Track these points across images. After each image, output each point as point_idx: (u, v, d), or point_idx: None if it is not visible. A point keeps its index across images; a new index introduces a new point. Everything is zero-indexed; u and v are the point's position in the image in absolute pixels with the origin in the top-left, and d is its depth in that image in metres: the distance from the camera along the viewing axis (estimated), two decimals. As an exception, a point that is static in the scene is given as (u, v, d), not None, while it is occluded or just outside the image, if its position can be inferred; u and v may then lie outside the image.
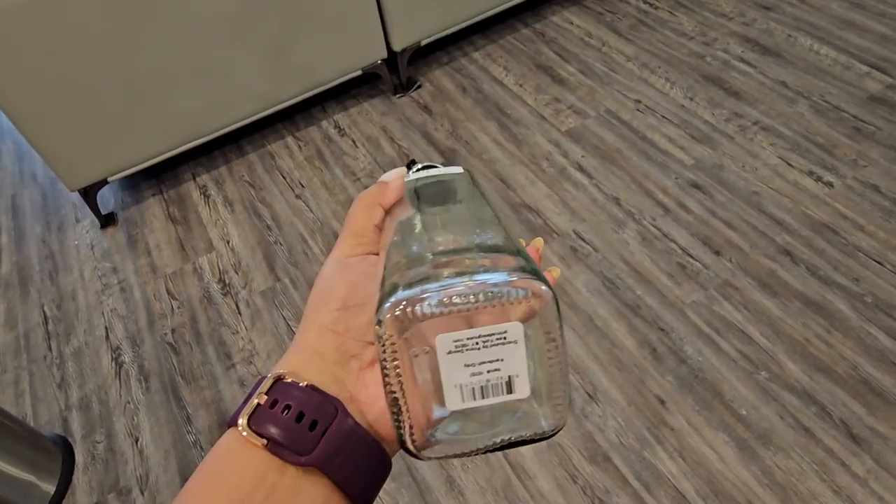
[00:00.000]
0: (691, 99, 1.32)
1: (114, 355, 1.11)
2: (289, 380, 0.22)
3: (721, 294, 1.00)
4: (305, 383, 0.22)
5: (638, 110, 1.32)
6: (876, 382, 0.88)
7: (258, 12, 1.19)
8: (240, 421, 0.21)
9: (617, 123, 1.30)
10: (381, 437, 0.23)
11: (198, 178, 1.38)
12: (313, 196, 1.29)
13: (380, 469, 0.23)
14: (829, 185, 1.12)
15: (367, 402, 0.23)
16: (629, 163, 1.22)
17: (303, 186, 1.31)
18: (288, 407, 0.21)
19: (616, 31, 1.52)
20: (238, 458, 0.21)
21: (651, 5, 1.57)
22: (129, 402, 1.05)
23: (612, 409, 0.90)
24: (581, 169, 1.23)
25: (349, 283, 0.24)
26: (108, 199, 1.38)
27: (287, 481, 0.21)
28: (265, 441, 0.21)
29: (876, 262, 1.00)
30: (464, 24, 1.46)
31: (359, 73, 1.40)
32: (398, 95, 1.47)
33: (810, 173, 1.14)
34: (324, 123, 1.44)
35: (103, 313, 1.18)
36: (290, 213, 1.27)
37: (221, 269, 1.20)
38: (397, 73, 1.46)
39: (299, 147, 1.40)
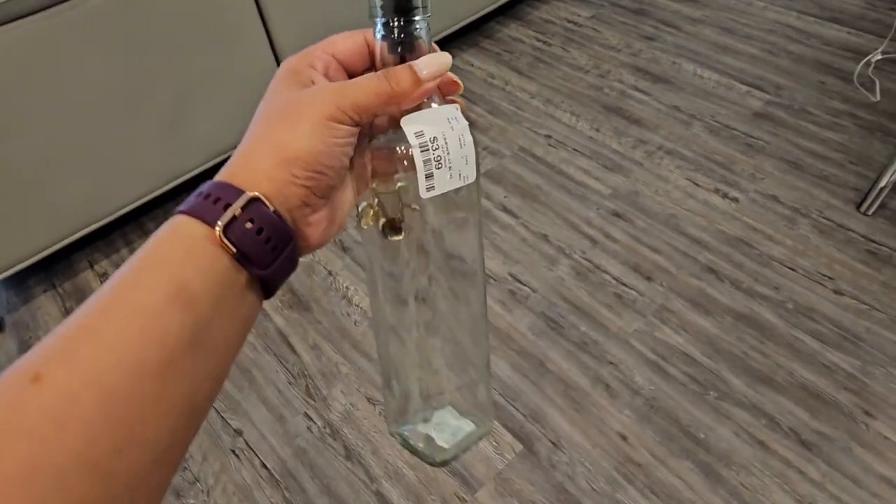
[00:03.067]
0: (597, 130, 1.37)
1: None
2: (264, 203, 0.25)
3: (659, 319, 1.03)
4: (273, 209, 0.25)
5: (550, 145, 1.35)
6: (812, 385, 0.92)
7: (149, 81, 1.11)
8: (218, 226, 0.24)
9: (532, 160, 1.33)
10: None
11: (96, 266, 1.25)
12: (231, 270, 1.20)
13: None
14: (735, 200, 1.19)
15: (306, 237, 0.28)
16: (550, 198, 1.25)
17: (218, 261, 1.22)
18: (260, 229, 0.25)
19: (516, 70, 1.56)
20: (205, 254, 0.24)
21: (544, 43, 1.63)
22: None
23: (578, 454, 0.89)
24: (506, 209, 1.24)
25: (315, 146, 0.26)
26: (-11, 302, 1.22)
27: (238, 286, 0.25)
28: (234, 251, 0.24)
29: (789, 268, 1.07)
30: (367, 76, 1.44)
31: (264, 134, 1.34)
32: (308, 153, 1.42)
33: (716, 191, 1.21)
34: (232, 190, 1.36)
35: None
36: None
37: (137, 365, 1.08)
38: (305, 130, 1.41)
39: (209, 218, 1.31)
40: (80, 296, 1.20)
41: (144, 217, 1.33)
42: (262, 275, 0.25)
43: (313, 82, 0.28)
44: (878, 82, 1.37)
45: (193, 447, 0.97)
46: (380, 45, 0.28)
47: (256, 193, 0.25)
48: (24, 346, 1.14)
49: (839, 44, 1.49)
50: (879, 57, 1.42)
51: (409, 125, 0.27)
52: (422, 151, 0.26)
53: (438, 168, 0.27)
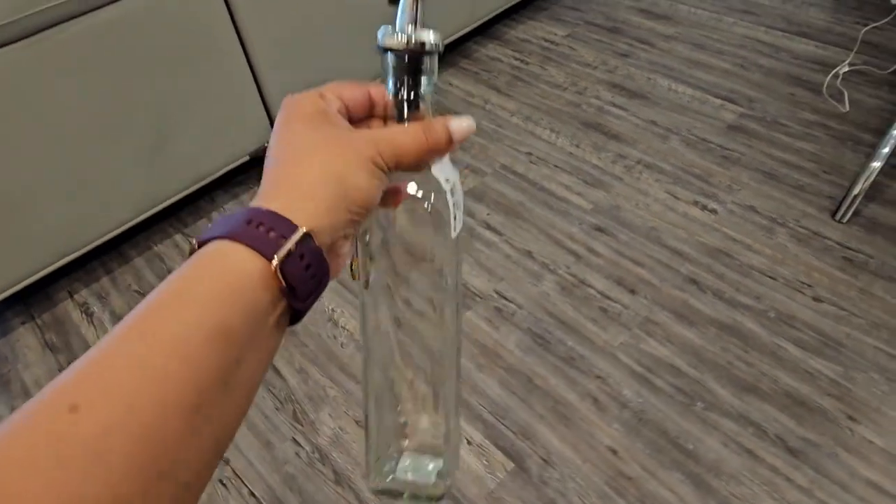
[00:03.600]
0: (577, 146, 1.39)
1: (-4, 525, 0.93)
2: (312, 237, 0.25)
3: (644, 331, 1.04)
4: (319, 244, 0.25)
5: (531, 162, 1.37)
6: (796, 393, 0.94)
7: (127, 108, 1.10)
8: (275, 261, 0.23)
9: (514, 178, 1.34)
10: None
11: (76, 296, 1.23)
12: (215, 295, 1.19)
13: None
14: (714, 211, 1.21)
15: (333, 268, 0.28)
16: (533, 214, 1.26)
17: (201, 287, 1.21)
18: (308, 265, 0.25)
19: (495, 89, 1.58)
20: (252, 292, 0.23)
21: (522, 61, 1.66)
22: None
23: (569, 469, 0.89)
24: (489, 227, 1.24)
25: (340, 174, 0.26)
26: (-35, 335, 1.19)
27: (273, 319, 0.24)
28: (283, 285, 0.24)
29: (769, 277, 1.09)
30: (348, 98, 1.45)
31: (246, 158, 1.34)
32: (291, 175, 1.42)
33: (695, 203, 1.23)
34: (214, 215, 1.36)
35: (-24, 476, 0.99)
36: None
37: (119, 395, 1.06)
38: (286, 153, 1.41)
39: (191, 245, 1.30)
40: (60, 327, 1.18)
41: (125, 245, 1.31)
42: (300, 307, 0.25)
43: (340, 121, 0.29)
44: (846, 93, 1.41)
45: (179, 478, 0.95)
46: (390, 99, 0.30)
47: (307, 229, 0.25)
48: (3, 381, 1.11)
49: (807, 57, 1.54)
50: (846, 69, 1.46)
51: (439, 173, 0.29)
52: (452, 196, 0.30)
53: (457, 210, 0.30)
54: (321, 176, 0.26)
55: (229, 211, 1.36)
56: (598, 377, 0.99)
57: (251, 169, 1.44)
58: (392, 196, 0.30)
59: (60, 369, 1.11)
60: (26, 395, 1.08)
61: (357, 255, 0.32)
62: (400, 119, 0.30)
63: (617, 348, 1.02)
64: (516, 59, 1.67)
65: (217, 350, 0.22)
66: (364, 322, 0.34)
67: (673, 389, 0.96)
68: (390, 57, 0.29)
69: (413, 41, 0.28)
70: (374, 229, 0.31)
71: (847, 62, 1.47)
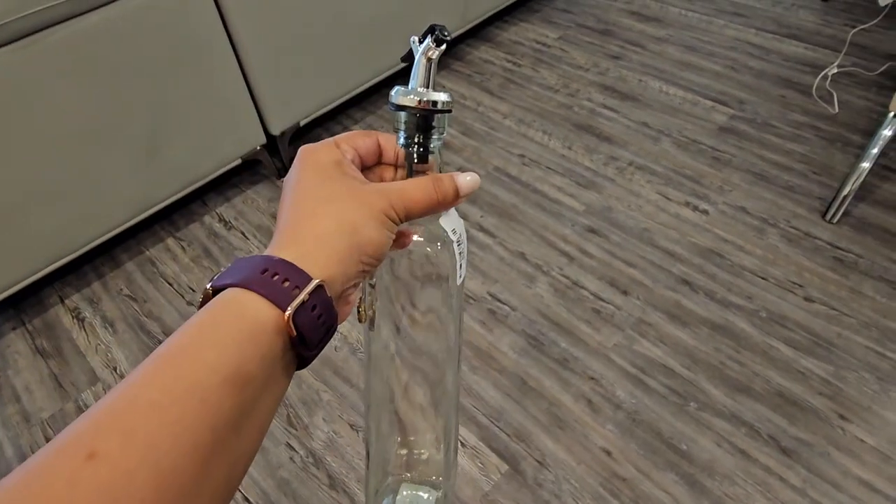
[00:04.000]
0: (569, 148, 1.40)
1: (-13, 533, 0.92)
2: (325, 288, 0.26)
3: (637, 332, 1.04)
4: (331, 294, 0.26)
5: (524, 164, 1.37)
6: (788, 392, 0.94)
7: (119, 111, 1.10)
8: (289, 311, 0.24)
9: (507, 179, 1.34)
10: None
11: (67, 301, 1.23)
12: (208, 299, 1.19)
13: None
14: (705, 212, 1.22)
15: (340, 315, 0.29)
16: (526, 216, 1.26)
17: (193, 291, 1.21)
18: (320, 314, 0.25)
19: (488, 91, 1.58)
20: (266, 338, 0.24)
21: (514, 63, 1.66)
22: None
23: (564, 471, 0.89)
24: (483, 229, 1.24)
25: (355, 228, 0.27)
26: (-46, 341, 1.18)
27: (283, 365, 0.25)
28: (295, 335, 0.24)
29: (761, 278, 1.09)
30: (340, 101, 1.45)
31: (238, 161, 1.34)
32: (283, 178, 1.42)
33: (687, 204, 1.24)
34: (206, 219, 1.35)
35: (-34, 483, 0.98)
36: (183, 323, 1.15)
37: (111, 401, 1.05)
38: (279, 156, 1.41)
39: (182, 248, 1.30)
40: (51, 332, 1.17)
41: (117, 249, 1.31)
42: (308, 355, 0.26)
43: (354, 173, 0.30)
44: (835, 95, 1.42)
45: (172, 483, 0.94)
46: (401, 151, 0.32)
47: (320, 280, 0.25)
48: (-7, 387, 1.10)
49: (797, 59, 1.55)
50: (835, 70, 1.47)
51: (447, 224, 0.31)
52: (458, 246, 0.31)
53: (462, 259, 0.32)
54: (335, 227, 0.26)
55: (221, 215, 1.35)
56: (592, 378, 0.99)
57: (244, 172, 1.44)
58: (400, 238, 0.32)
59: (51, 375, 1.10)
60: (17, 401, 1.07)
61: (364, 298, 0.33)
62: (410, 170, 0.32)
63: (610, 349, 1.02)
64: (508, 61, 1.67)
65: (233, 394, 0.22)
66: (368, 359, 0.35)
67: (666, 390, 0.96)
68: (403, 114, 0.31)
69: (425, 101, 0.30)
70: (381, 274, 0.33)
71: (836, 64, 1.48)
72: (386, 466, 0.36)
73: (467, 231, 1.23)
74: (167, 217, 1.36)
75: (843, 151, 1.30)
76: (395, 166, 0.33)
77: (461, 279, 0.33)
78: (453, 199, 0.30)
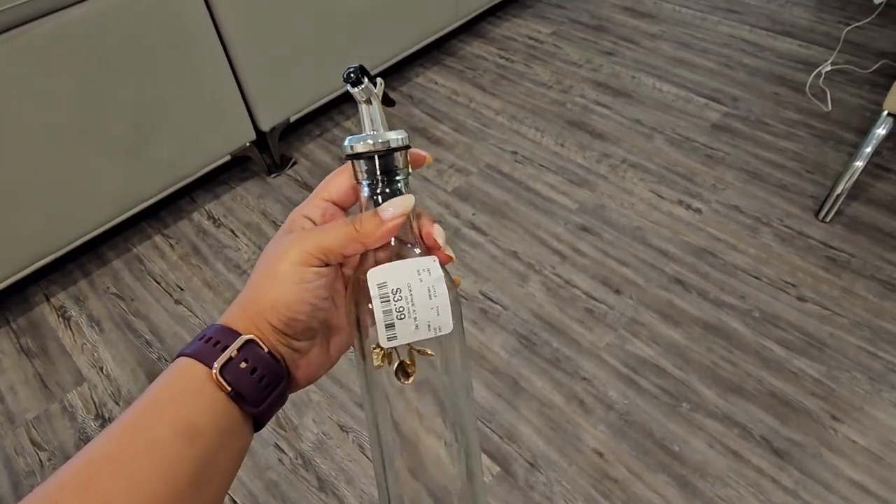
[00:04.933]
0: (562, 145, 1.39)
1: (-31, 537, 0.91)
2: (259, 344, 0.28)
3: (630, 332, 1.04)
4: (268, 350, 0.28)
5: (516, 161, 1.36)
6: (781, 393, 0.94)
7: (106, 107, 1.07)
8: (215, 367, 0.26)
9: (499, 177, 1.33)
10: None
11: (52, 299, 1.21)
12: (195, 298, 1.17)
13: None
14: (698, 211, 1.21)
15: (297, 377, 0.30)
16: (519, 214, 1.25)
17: (182, 289, 1.19)
18: (254, 369, 0.27)
19: (480, 87, 1.57)
20: (208, 393, 0.26)
21: (507, 59, 1.65)
22: None
23: (555, 473, 0.88)
24: (474, 227, 1.23)
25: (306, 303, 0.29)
26: (-63, 341, 1.16)
27: (237, 421, 0.27)
28: (229, 389, 0.26)
29: (754, 277, 1.09)
30: (332, 96, 1.43)
31: (227, 158, 1.32)
32: (273, 175, 1.40)
33: (680, 202, 1.23)
34: (195, 216, 1.33)
35: (-52, 486, 0.97)
36: (171, 322, 1.14)
37: (97, 402, 1.04)
38: (269, 152, 1.39)
39: (171, 246, 1.28)
40: (36, 331, 1.15)
41: (103, 246, 1.29)
42: (253, 412, 0.27)
43: (294, 227, 0.31)
44: (829, 92, 1.42)
45: (159, 486, 0.93)
46: (365, 200, 0.30)
47: (252, 336, 0.28)
48: (-24, 387, 1.08)
49: (791, 56, 1.54)
50: (829, 68, 1.47)
51: (373, 276, 0.28)
52: (382, 302, 0.27)
53: (401, 319, 0.27)
54: (251, 293, 0.28)
55: (210, 212, 1.33)
56: (584, 379, 0.98)
57: (232, 169, 1.42)
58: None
59: (36, 375, 1.09)
60: (1, 401, 1.06)
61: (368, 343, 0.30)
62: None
63: (603, 349, 1.02)
64: (501, 57, 1.66)
65: (187, 446, 0.24)
66: (368, 397, 0.32)
67: (658, 390, 0.96)
68: (361, 162, 0.29)
69: (378, 143, 0.29)
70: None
71: (830, 61, 1.48)
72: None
73: (459, 230, 1.22)
74: (155, 214, 1.34)
75: (836, 150, 1.29)
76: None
77: (394, 343, 0.28)
78: (375, 228, 0.28)
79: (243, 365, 0.27)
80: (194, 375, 0.26)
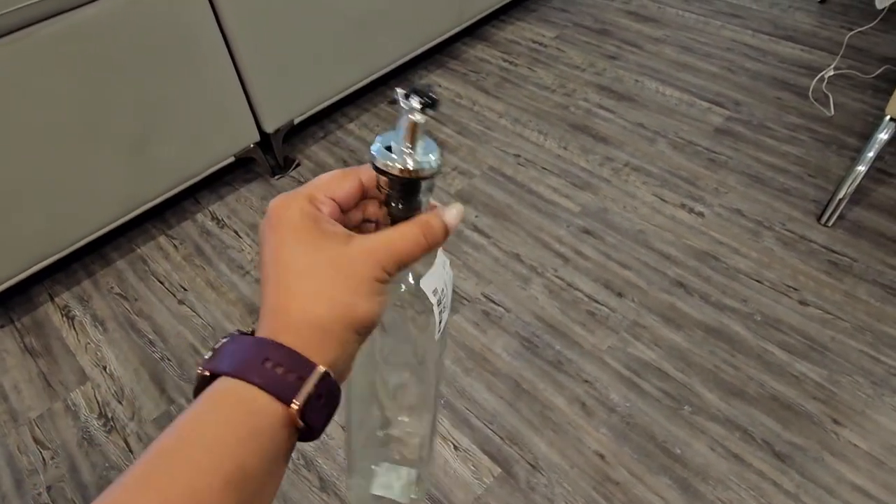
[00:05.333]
0: (565, 148, 1.39)
1: (-28, 535, 0.91)
2: (330, 376, 0.24)
3: (632, 335, 1.04)
4: (335, 378, 0.25)
5: (519, 164, 1.36)
6: (783, 396, 0.94)
7: (111, 108, 1.08)
8: (295, 405, 0.23)
9: (502, 179, 1.33)
10: None
11: (56, 299, 1.21)
12: (199, 299, 1.18)
13: None
14: (701, 214, 1.21)
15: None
16: (521, 217, 1.25)
17: (185, 290, 1.19)
18: (326, 403, 0.24)
19: (484, 90, 1.57)
20: (271, 435, 0.23)
21: (511, 63, 1.65)
22: (0, 592, 0.86)
23: (557, 475, 0.88)
24: (477, 229, 1.24)
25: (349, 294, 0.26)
26: (-59, 339, 1.17)
27: (286, 452, 0.24)
28: (302, 425, 0.23)
29: (755, 280, 1.09)
30: (335, 98, 1.44)
31: (231, 159, 1.32)
32: (277, 177, 1.41)
33: (682, 206, 1.23)
34: (199, 216, 1.34)
35: (-48, 484, 0.97)
36: (174, 323, 1.14)
37: (101, 401, 1.04)
38: (273, 153, 1.40)
39: (174, 246, 1.28)
40: (40, 331, 1.16)
41: (107, 247, 1.29)
42: (312, 439, 0.25)
43: (334, 230, 0.28)
44: (831, 97, 1.42)
45: (161, 485, 0.93)
46: (386, 209, 0.29)
47: (325, 368, 0.24)
48: (-20, 386, 1.09)
49: (793, 61, 1.55)
50: (832, 73, 1.47)
51: (427, 286, 0.30)
52: (438, 305, 0.30)
53: (442, 312, 0.31)
54: (328, 311, 0.25)
55: (214, 213, 1.34)
56: (586, 381, 0.98)
57: (236, 170, 1.43)
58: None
59: (40, 374, 1.09)
60: (4, 399, 1.06)
61: None
62: (394, 222, 0.29)
63: (604, 352, 1.02)
64: (505, 60, 1.66)
65: (234, 493, 0.21)
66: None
67: (660, 393, 0.96)
68: (386, 178, 0.27)
69: (411, 168, 0.26)
70: None
71: (832, 66, 1.48)
72: (364, 448, 0.37)
73: (462, 232, 1.22)
74: (159, 215, 1.34)
75: (838, 154, 1.30)
76: (381, 202, 0.30)
77: (440, 332, 0.31)
78: (443, 238, 0.28)
79: (319, 401, 0.24)
80: (261, 411, 0.23)
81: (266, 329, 0.25)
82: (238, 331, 0.26)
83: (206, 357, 0.25)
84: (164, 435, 0.22)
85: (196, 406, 0.23)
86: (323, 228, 0.26)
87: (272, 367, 0.23)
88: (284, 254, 0.26)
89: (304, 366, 0.24)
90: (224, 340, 0.25)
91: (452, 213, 0.29)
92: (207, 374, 0.24)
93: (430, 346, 0.33)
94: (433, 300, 0.30)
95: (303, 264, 0.25)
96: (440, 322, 0.31)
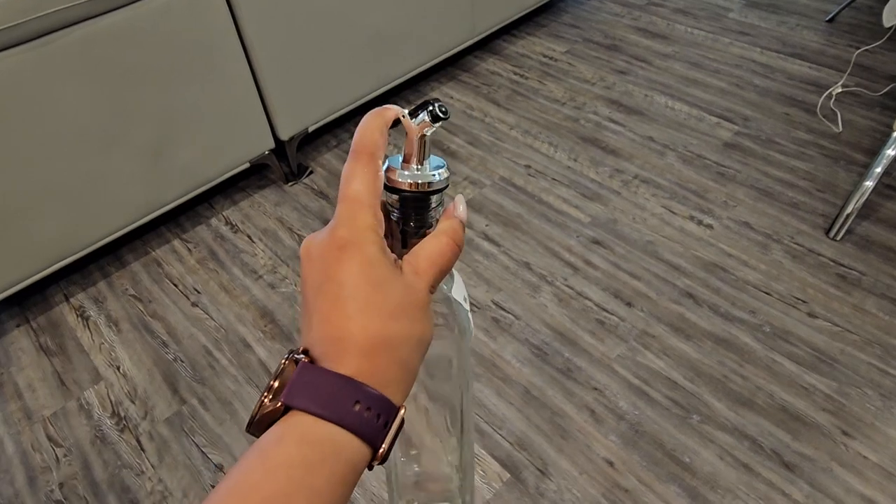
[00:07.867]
0: (575, 160, 1.41)
1: (-15, 530, 0.92)
2: (399, 413, 0.25)
3: (641, 344, 1.04)
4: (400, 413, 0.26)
5: (530, 175, 1.38)
6: (792, 407, 0.94)
7: (129, 113, 1.11)
8: (382, 449, 0.24)
9: (513, 190, 1.35)
10: None
11: (72, 299, 1.23)
12: (212, 301, 1.19)
13: None
14: (709, 226, 1.23)
15: None
16: (531, 226, 1.26)
17: (198, 292, 1.21)
18: (396, 434, 0.25)
19: (495, 102, 1.60)
20: (353, 478, 0.24)
21: (521, 76, 1.68)
22: (11, 587, 0.86)
23: (566, 481, 0.89)
24: (488, 238, 1.25)
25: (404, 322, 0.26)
26: (-42, 337, 1.18)
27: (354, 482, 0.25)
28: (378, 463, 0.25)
29: (764, 292, 1.10)
30: (349, 108, 1.46)
31: (246, 165, 1.35)
32: (290, 183, 1.43)
33: (691, 218, 1.25)
34: (213, 221, 1.36)
35: (-35, 480, 0.98)
36: (187, 325, 1.15)
37: (114, 400, 1.06)
38: (287, 161, 1.42)
39: (188, 250, 1.30)
40: (55, 331, 1.17)
41: (123, 249, 1.31)
42: (380, 464, 0.26)
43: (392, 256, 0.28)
44: (839, 114, 1.44)
45: (173, 484, 0.94)
46: (396, 225, 0.29)
47: (402, 412, 0.25)
48: (-5, 383, 1.10)
49: (802, 77, 1.57)
50: (840, 90, 1.49)
51: (458, 295, 0.32)
52: (468, 309, 0.33)
53: (468, 312, 0.33)
54: (414, 350, 0.26)
55: (228, 218, 1.36)
56: (595, 389, 0.99)
57: (251, 176, 1.45)
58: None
59: (54, 373, 1.10)
60: (19, 397, 1.07)
61: None
62: (405, 243, 0.29)
63: (614, 360, 1.02)
64: (516, 73, 1.69)
65: None
66: None
67: (669, 402, 0.96)
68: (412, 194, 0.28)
69: (419, 183, 0.27)
70: None
71: (840, 83, 1.50)
72: (402, 489, 0.37)
73: (472, 240, 1.23)
74: (174, 219, 1.36)
75: (846, 170, 1.31)
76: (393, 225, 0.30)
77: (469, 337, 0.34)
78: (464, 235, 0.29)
79: (395, 436, 0.25)
80: (351, 457, 0.24)
81: (344, 363, 0.24)
82: (294, 353, 0.25)
83: (273, 385, 0.24)
84: (251, 479, 0.22)
85: (288, 448, 0.23)
86: (390, 259, 0.26)
87: (361, 409, 0.23)
88: (360, 288, 0.25)
89: (389, 409, 0.24)
90: (285, 364, 0.25)
91: (461, 208, 0.30)
92: (282, 407, 0.24)
93: (461, 358, 0.34)
94: (467, 306, 0.32)
95: (381, 299, 0.25)
96: (468, 332, 0.33)
